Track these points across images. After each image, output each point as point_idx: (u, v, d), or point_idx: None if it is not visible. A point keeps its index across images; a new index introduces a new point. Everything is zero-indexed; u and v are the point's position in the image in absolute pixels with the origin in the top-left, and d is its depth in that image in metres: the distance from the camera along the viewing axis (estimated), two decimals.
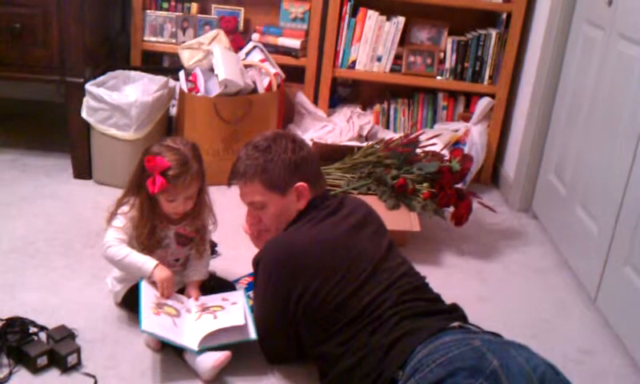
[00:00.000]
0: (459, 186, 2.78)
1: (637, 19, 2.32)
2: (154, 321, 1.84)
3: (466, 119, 3.46)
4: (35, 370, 1.81)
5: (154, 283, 1.96)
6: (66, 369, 1.82)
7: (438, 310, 1.77)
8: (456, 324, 1.69)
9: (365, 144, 3.00)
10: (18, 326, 1.90)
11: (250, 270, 1.96)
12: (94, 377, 1.82)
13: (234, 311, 1.94)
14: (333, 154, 2.89)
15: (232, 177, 1.95)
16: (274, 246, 1.85)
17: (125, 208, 2.02)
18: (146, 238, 2.00)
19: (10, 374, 1.79)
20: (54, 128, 3.45)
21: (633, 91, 2.27)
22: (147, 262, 1.96)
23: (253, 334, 1.88)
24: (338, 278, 1.75)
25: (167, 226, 2.05)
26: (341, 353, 1.72)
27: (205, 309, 1.97)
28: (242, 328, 1.89)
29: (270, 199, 1.90)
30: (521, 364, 1.52)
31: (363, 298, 1.73)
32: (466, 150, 3.26)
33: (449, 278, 2.53)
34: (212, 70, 3.05)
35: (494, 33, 3.38)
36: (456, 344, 1.57)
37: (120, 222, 2.01)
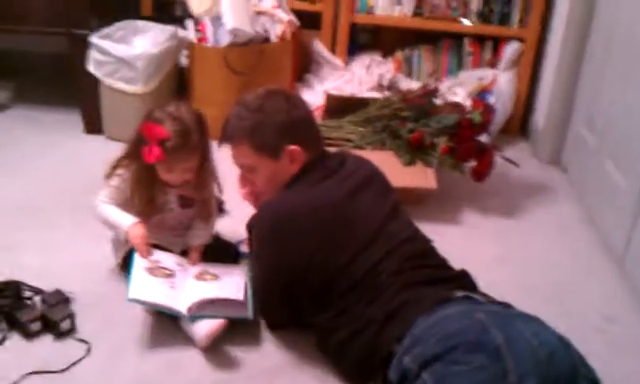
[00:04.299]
0: (483, 138, 2.62)
1: None
2: (145, 286, 1.77)
3: (494, 65, 3.27)
4: (28, 335, 1.76)
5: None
6: (59, 334, 1.77)
7: (442, 277, 1.66)
8: (461, 293, 1.58)
9: (384, 95, 2.85)
10: (13, 290, 1.86)
11: None
12: (87, 342, 1.76)
13: (234, 285, 1.86)
14: (348, 106, 2.75)
15: (221, 138, 1.83)
16: (266, 211, 1.76)
17: (122, 170, 1.93)
18: (143, 206, 1.91)
19: (4, 338, 1.76)
20: (68, 82, 3.37)
21: None
22: (124, 221, 1.88)
23: (250, 313, 1.79)
24: (335, 245, 1.65)
25: (167, 190, 1.95)
26: (337, 323, 1.63)
27: (203, 274, 1.89)
28: (239, 304, 1.80)
29: (260, 162, 1.79)
30: (528, 339, 1.40)
31: (361, 265, 1.63)
32: (494, 99, 3.08)
33: (467, 239, 2.40)
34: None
35: None
36: (458, 317, 1.47)
37: (116, 182, 1.93)
